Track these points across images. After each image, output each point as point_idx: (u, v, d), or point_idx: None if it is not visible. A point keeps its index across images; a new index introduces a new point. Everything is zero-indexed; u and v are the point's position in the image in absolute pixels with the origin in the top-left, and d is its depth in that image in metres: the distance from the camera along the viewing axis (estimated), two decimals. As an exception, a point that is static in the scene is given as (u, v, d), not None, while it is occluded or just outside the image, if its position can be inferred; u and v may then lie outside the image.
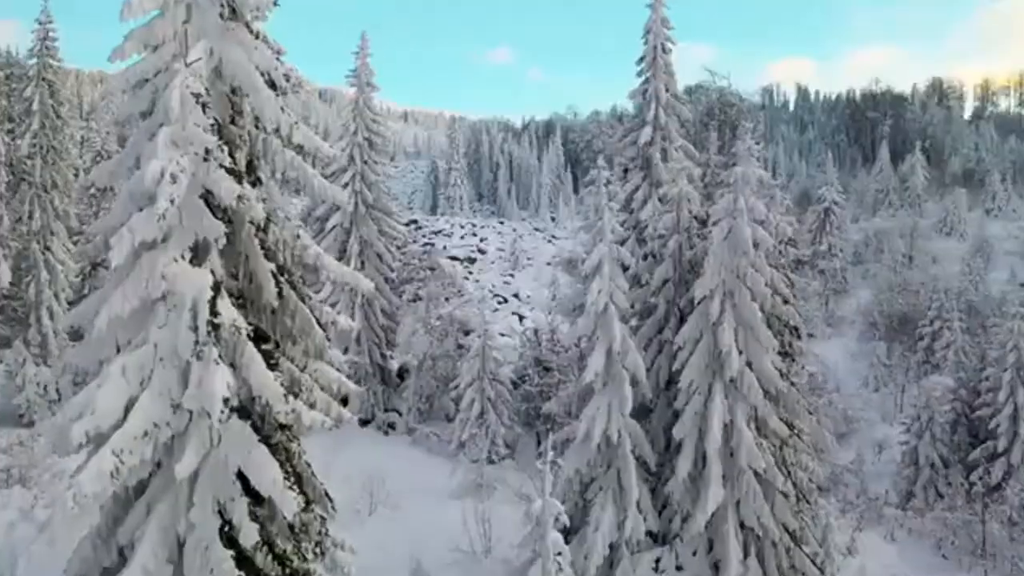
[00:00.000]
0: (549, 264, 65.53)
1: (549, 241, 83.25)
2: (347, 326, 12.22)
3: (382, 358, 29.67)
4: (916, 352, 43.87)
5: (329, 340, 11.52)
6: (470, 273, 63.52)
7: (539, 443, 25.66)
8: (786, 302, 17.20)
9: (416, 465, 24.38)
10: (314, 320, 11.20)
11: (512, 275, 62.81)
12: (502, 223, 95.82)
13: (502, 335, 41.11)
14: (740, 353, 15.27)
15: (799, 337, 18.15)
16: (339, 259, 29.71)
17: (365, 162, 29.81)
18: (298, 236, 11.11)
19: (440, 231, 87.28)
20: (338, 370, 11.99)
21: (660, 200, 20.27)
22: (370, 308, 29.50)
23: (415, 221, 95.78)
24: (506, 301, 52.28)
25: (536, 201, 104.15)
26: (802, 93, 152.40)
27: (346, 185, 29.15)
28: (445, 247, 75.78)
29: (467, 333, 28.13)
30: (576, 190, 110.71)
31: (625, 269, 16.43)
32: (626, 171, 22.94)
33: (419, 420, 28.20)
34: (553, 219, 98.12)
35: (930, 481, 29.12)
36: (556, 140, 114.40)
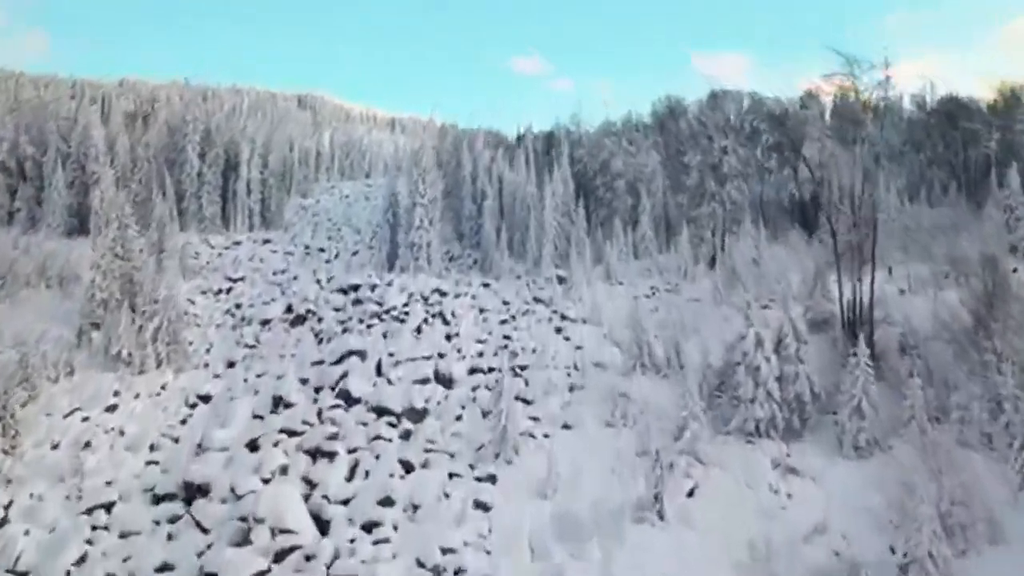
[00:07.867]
0: (567, 403, 34.36)
1: (558, 330, 52.22)
2: None
3: None
4: None
5: None
6: (408, 474, 31.79)
7: None
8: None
9: None
10: None
11: (494, 477, 30.51)
12: (487, 286, 64.74)
13: None
14: None
15: None
16: None
17: None
18: None
19: (389, 310, 56.10)
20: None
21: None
22: None
23: (355, 287, 64.68)
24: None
25: (536, 249, 72.79)
26: (841, 102, 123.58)
27: None
28: (387, 383, 44.79)
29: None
30: (590, 232, 78.71)
31: None
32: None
33: None
34: (562, 280, 66.19)
35: None
36: (563, 161, 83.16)
